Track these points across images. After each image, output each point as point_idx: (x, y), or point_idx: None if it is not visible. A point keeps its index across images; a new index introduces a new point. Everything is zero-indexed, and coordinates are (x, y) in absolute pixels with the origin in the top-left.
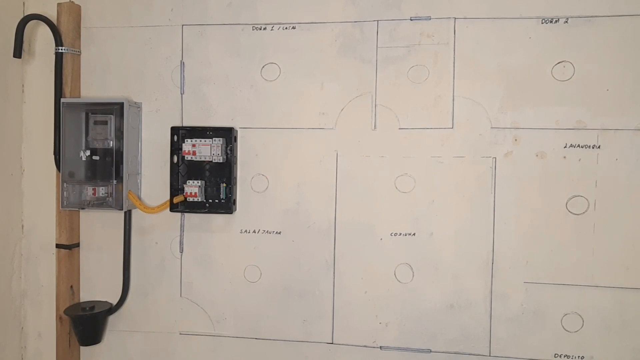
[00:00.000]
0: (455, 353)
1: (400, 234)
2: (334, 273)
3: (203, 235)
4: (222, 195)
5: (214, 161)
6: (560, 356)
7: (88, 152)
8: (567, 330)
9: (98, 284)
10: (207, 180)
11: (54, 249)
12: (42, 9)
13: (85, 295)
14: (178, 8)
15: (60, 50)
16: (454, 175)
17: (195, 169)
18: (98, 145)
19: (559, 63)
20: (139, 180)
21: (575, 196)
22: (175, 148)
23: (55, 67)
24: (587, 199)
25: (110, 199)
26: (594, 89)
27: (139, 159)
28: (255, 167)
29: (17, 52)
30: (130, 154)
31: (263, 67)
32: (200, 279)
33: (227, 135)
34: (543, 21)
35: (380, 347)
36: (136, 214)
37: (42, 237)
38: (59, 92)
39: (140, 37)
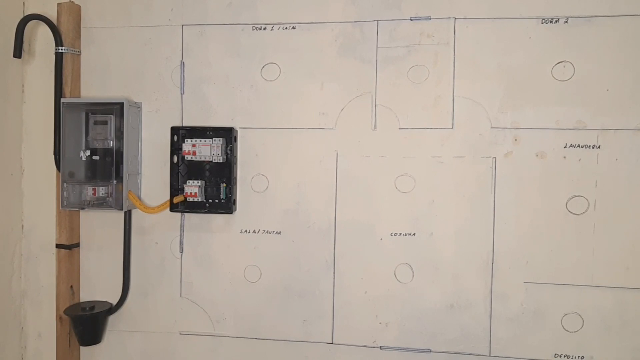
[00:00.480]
0: (455, 353)
1: (400, 234)
2: (334, 273)
3: (203, 235)
4: (222, 195)
5: (214, 161)
6: (560, 356)
7: (88, 152)
8: (567, 330)
9: (98, 284)
10: (207, 180)
11: (54, 249)
12: (42, 9)
13: (85, 295)
14: (178, 8)
15: (60, 50)
16: (454, 175)
17: (195, 169)
18: (98, 145)
19: (559, 63)
20: (139, 180)
21: (575, 196)
22: (175, 148)
23: (55, 67)
24: (587, 199)
25: (110, 199)
26: (594, 89)
27: (139, 159)
28: (255, 167)
29: (17, 52)
30: (130, 154)
31: (263, 67)
32: (200, 279)
33: (227, 135)
34: (543, 21)
35: (380, 347)
36: (136, 214)
37: (42, 237)
38: (59, 92)
39: (140, 37)
